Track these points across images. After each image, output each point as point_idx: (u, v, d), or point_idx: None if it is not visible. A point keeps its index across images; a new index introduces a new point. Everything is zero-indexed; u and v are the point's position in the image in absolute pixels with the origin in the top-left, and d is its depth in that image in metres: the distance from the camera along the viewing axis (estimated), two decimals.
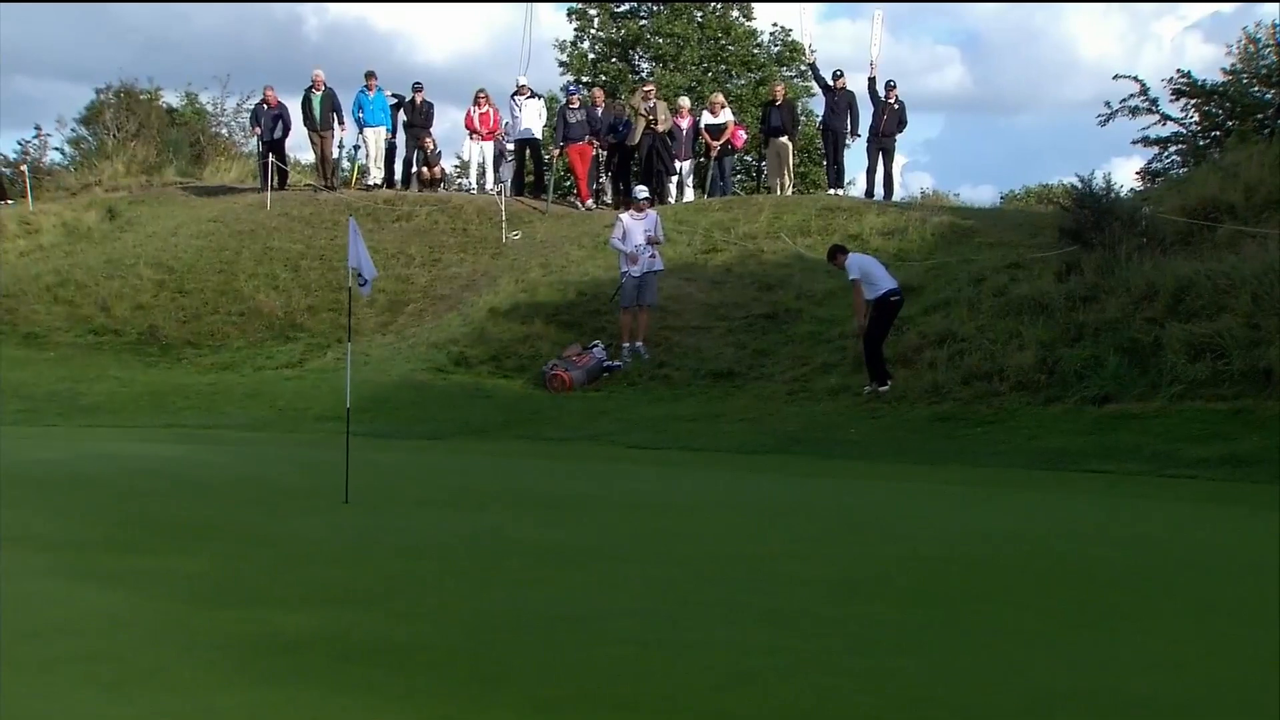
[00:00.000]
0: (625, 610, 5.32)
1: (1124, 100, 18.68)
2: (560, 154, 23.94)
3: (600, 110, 22.87)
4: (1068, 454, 11.58)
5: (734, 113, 24.65)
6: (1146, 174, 20.57)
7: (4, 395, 16.90)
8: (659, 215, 17.60)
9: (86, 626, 4.84)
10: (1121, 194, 16.65)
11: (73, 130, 32.98)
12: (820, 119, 23.93)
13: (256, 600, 5.42)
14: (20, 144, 34.59)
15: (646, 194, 17.84)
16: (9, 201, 26.15)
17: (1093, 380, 13.16)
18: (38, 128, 37.41)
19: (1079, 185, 16.27)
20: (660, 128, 22.03)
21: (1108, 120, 18.74)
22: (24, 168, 28.45)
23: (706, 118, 22.61)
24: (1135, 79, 18.72)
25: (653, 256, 16.84)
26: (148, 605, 5.31)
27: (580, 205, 23.20)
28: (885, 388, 14.43)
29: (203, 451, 12.70)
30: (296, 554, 6.69)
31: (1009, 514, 8.82)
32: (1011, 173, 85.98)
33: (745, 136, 24.36)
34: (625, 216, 17.20)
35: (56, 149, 32.83)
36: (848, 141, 22.09)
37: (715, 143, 22.40)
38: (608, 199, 23.59)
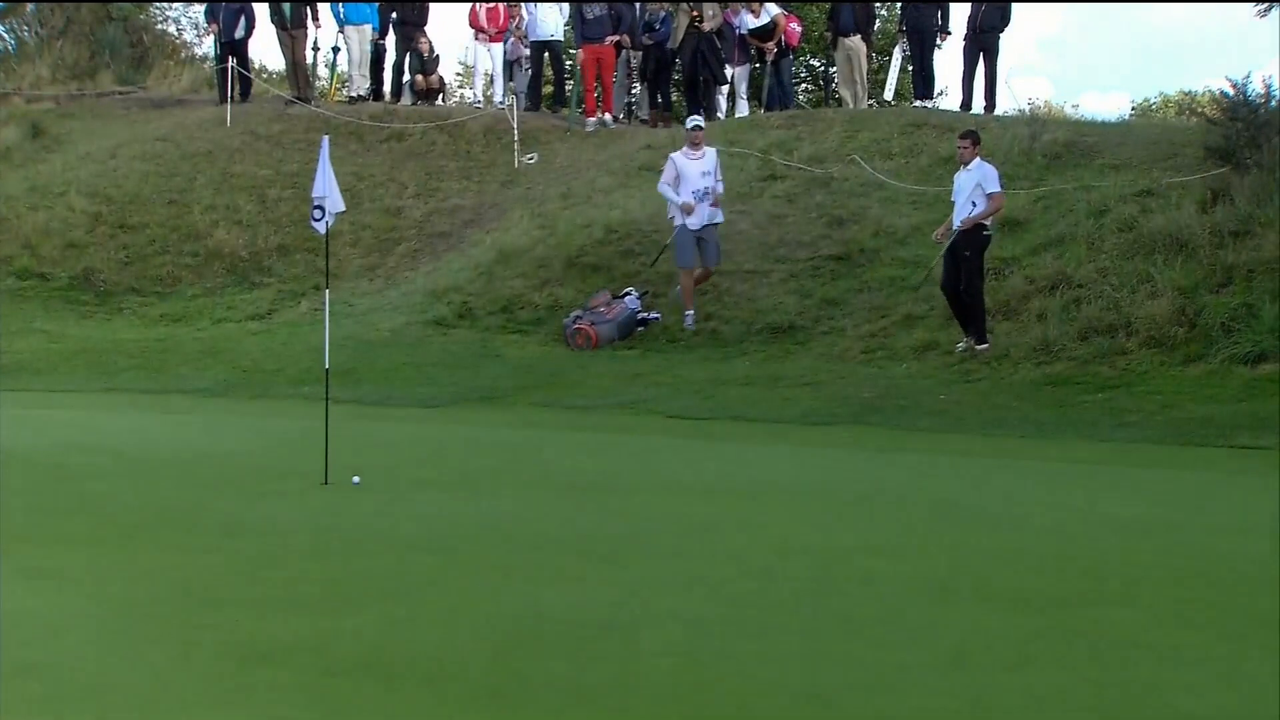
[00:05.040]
0: (668, 615, 5.34)
1: None
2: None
3: (629, 4, 22.68)
4: (1212, 425, 11.52)
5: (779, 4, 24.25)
6: None
7: None
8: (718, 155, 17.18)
9: (15, 634, 4.90)
10: None
11: None
12: (901, 17, 23.66)
13: (221, 602, 5.47)
14: None
15: (702, 123, 17.27)
16: None
17: (1244, 334, 13.06)
18: None
19: (1230, 92, 16.08)
20: (706, 26, 21.91)
21: (1269, 10, 18.46)
22: None
23: (748, 20, 22.36)
24: None
25: (714, 205, 16.52)
26: (90, 608, 5.37)
27: (605, 120, 23.06)
28: (985, 346, 14.40)
29: (151, 422, 12.80)
30: (269, 547, 6.75)
31: (1137, 500, 8.79)
32: (1146, 76, 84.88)
33: (799, 30, 24.10)
34: (678, 156, 16.63)
35: None
36: (938, 41, 21.91)
37: (769, 44, 22.20)
38: (643, 114, 23.51)
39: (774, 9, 22.62)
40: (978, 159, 14.71)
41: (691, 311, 16.53)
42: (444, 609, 5.47)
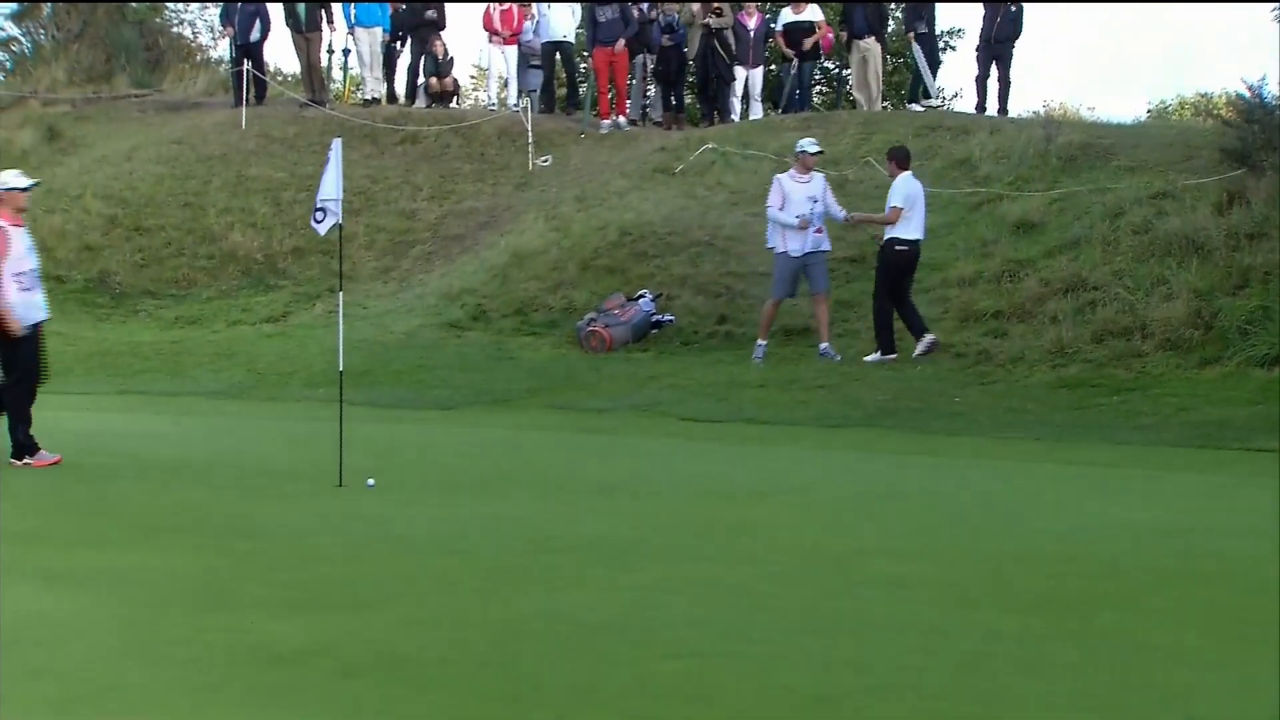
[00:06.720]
0: (682, 618, 5.33)
1: None
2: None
3: (642, 7, 22.59)
4: (1228, 428, 11.48)
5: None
6: None
7: None
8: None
9: (29, 636, 4.90)
10: None
11: (1, 29, 33.15)
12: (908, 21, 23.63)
13: (236, 604, 5.47)
14: None
15: (817, 147, 15.99)
16: None
17: (1260, 337, 13.02)
18: None
19: (1246, 94, 16.02)
20: (714, 23, 21.78)
21: None
22: None
23: (786, 14, 22.36)
24: None
25: (819, 231, 15.97)
26: (104, 610, 5.36)
27: (619, 122, 23.00)
28: (873, 356, 14.78)
29: (166, 424, 12.81)
30: (283, 549, 6.76)
31: (1153, 503, 8.76)
32: (1162, 78, 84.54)
33: (833, 39, 24.08)
34: (784, 178, 15.74)
35: None
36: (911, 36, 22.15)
37: (807, 39, 22.02)
38: (657, 116, 23.47)
39: (817, 12, 22.54)
40: (901, 175, 15.00)
41: (764, 344, 15.53)
42: (457, 611, 5.46)
